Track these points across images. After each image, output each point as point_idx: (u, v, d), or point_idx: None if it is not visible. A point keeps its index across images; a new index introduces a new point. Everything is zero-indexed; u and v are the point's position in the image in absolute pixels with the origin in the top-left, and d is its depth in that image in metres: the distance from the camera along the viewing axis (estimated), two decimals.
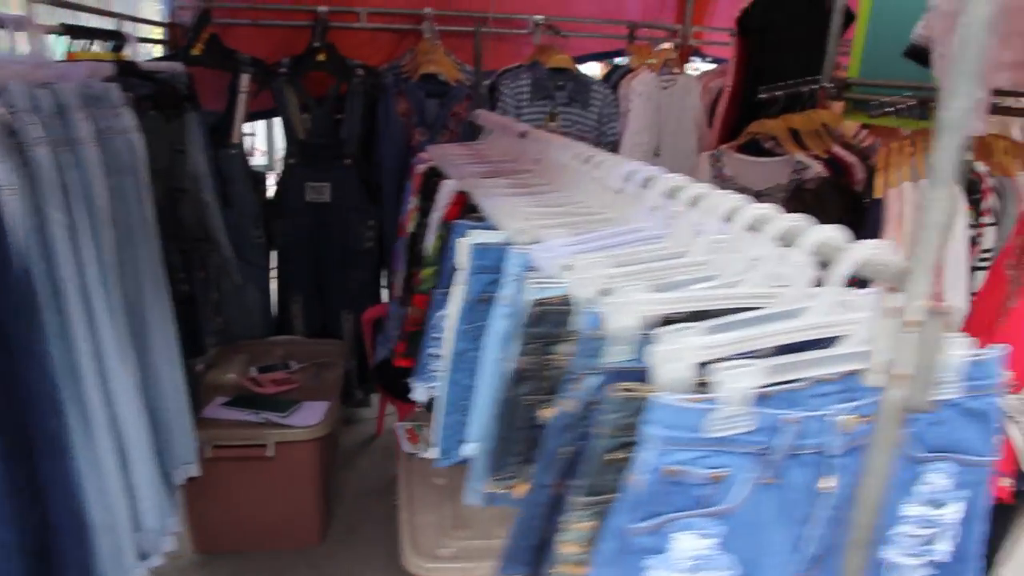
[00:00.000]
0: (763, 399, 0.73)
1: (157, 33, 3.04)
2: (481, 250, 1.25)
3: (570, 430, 0.85)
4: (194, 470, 2.03)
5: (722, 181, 2.58)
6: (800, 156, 2.46)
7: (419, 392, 1.55)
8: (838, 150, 2.47)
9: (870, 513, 0.74)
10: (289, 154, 3.01)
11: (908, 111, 2.16)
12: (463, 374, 1.29)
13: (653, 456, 0.71)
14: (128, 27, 2.52)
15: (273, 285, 3.16)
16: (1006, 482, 1.50)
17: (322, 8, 2.98)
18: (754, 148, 2.58)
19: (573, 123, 3.04)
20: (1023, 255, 1.61)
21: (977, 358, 0.82)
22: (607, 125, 3.07)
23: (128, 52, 2.32)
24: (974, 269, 1.89)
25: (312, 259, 3.07)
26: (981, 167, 2.00)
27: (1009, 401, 1.45)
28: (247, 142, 3.36)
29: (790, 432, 0.75)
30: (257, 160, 3.72)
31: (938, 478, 0.87)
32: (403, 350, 1.68)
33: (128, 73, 2.12)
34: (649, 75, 3.06)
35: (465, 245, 1.26)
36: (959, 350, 0.80)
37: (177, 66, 2.48)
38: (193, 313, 2.45)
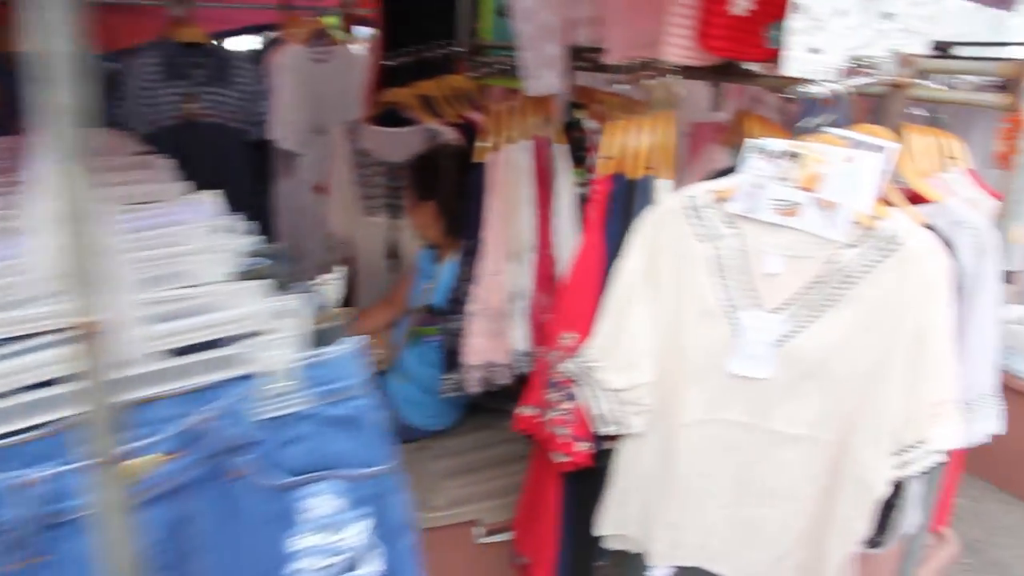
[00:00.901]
0: None
1: None
2: None
3: None
4: None
5: (361, 156, 2.44)
6: (432, 124, 2.36)
7: None
8: (472, 115, 2.40)
9: None
10: None
11: (513, 72, 2.11)
12: None
13: None
14: None
15: None
16: (583, 446, 1.47)
17: None
18: (394, 119, 2.46)
19: (217, 104, 2.75)
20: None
21: (317, 359, 0.69)
22: (256, 103, 2.81)
23: None
24: None
25: None
26: (591, 124, 2.00)
27: (569, 367, 1.42)
28: None
29: (33, 497, 0.58)
30: None
31: (322, 502, 0.74)
32: None
33: None
34: (296, 48, 2.84)
35: None
36: (289, 353, 0.67)
37: None
38: None
